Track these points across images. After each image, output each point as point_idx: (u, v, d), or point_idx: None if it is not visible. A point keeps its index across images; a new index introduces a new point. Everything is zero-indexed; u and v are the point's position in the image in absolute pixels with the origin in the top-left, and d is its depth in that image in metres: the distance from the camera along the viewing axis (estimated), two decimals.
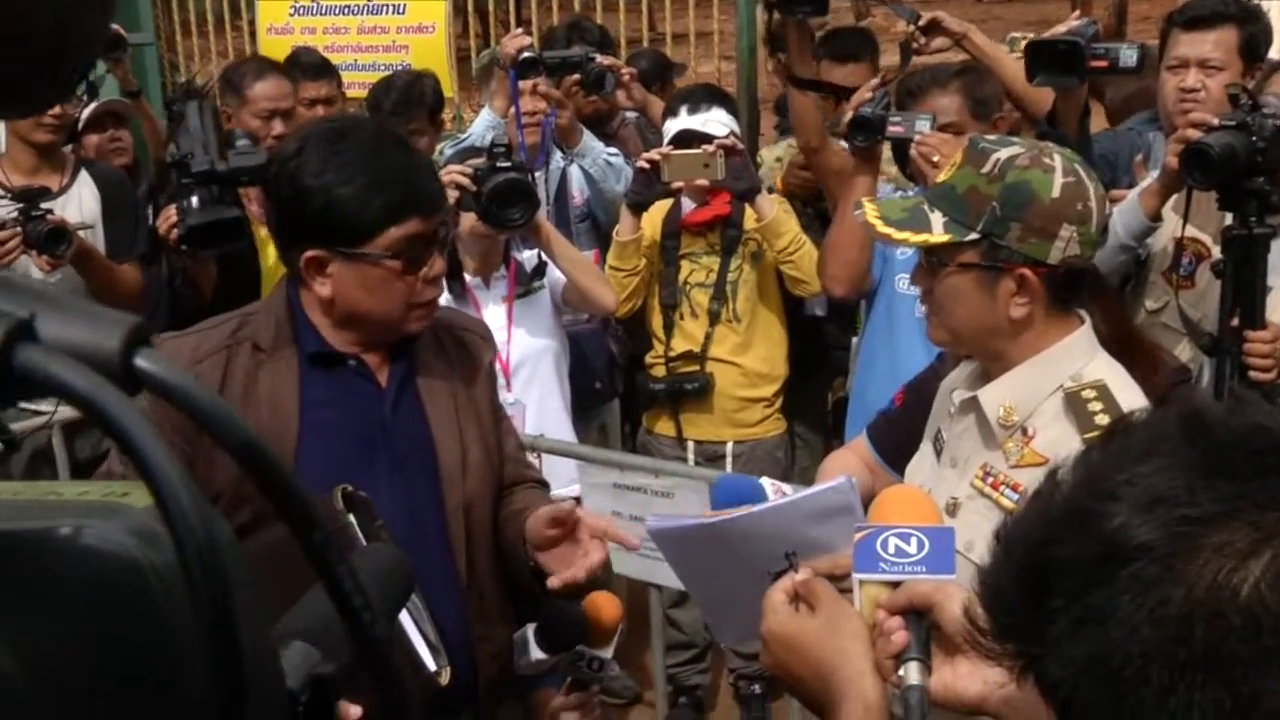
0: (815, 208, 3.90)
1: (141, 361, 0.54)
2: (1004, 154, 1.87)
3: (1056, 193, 1.84)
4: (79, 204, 3.83)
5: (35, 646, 0.57)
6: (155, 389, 0.55)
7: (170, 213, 3.51)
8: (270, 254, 3.88)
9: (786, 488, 2.22)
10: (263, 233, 3.91)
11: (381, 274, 1.96)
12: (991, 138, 2.01)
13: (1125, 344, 2.01)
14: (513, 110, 3.94)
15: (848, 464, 2.42)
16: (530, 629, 2.23)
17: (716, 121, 3.64)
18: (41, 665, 0.57)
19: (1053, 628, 0.77)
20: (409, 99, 4.35)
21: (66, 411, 3.66)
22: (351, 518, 1.81)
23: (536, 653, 2.24)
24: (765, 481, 2.21)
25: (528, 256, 3.56)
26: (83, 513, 0.62)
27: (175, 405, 0.55)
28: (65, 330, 0.53)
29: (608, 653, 2.24)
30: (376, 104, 4.39)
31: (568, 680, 2.28)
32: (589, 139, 4.05)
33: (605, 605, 2.25)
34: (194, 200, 3.33)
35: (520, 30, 4.30)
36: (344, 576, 0.62)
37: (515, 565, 2.15)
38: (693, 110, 3.68)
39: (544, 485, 2.35)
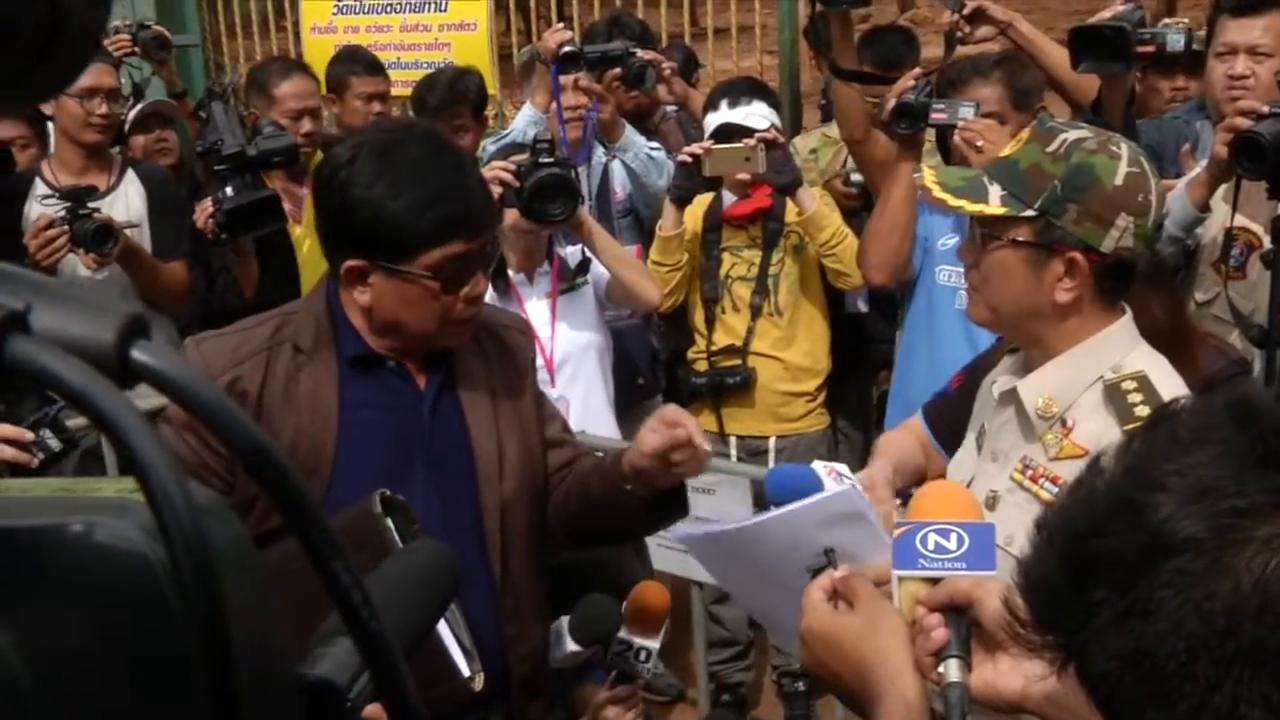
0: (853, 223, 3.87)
1: (138, 354, 0.54)
2: (1072, 135, 1.86)
3: (1119, 180, 1.81)
4: (126, 203, 3.88)
5: (45, 642, 0.57)
6: (152, 382, 0.54)
7: (206, 205, 3.56)
8: (305, 249, 3.92)
9: (841, 467, 2.20)
10: (297, 230, 3.95)
11: (420, 291, 1.95)
12: (1061, 119, 1.99)
13: (1178, 336, 1.98)
14: (554, 106, 3.94)
15: (903, 443, 2.40)
16: (564, 621, 2.23)
17: (757, 115, 3.62)
18: (50, 661, 0.57)
19: (1096, 620, 0.76)
20: (453, 96, 4.37)
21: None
22: (389, 521, 1.81)
23: (571, 645, 2.24)
24: (817, 465, 2.19)
25: (571, 252, 3.55)
26: (94, 509, 0.61)
27: (173, 399, 0.55)
28: (60, 322, 0.52)
29: (655, 643, 2.24)
30: (421, 101, 4.41)
31: (613, 673, 2.28)
32: (631, 134, 4.04)
33: (653, 594, 2.24)
34: (228, 190, 3.37)
35: (561, 25, 4.30)
36: (341, 573, 0.61)
37: (618, 507, 2.11)
38: (733, 104, 3.67)
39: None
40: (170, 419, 1.98)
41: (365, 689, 0.90)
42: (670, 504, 2.12)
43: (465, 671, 1.86)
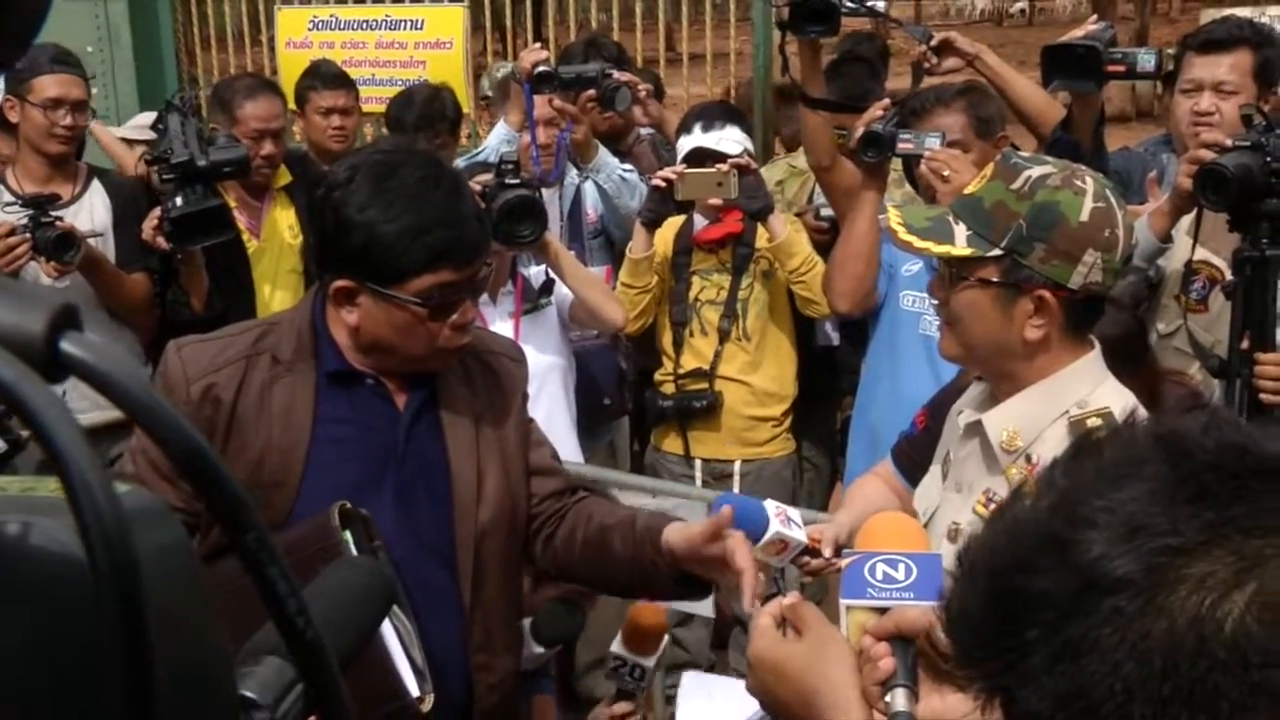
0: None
1: (68, 346, 0.53)
2: (1036, 172, 1.84)
3: (1085, 216, 1.81)
4: (90, 212, 3.85)
5: None
6: (81, 374, 0.53)
7: (154, 214, 3.55)
8: (263, 264, 3.90)
9: (791, 511, 2.20)
10: (254, 244, 3.93)
11: (407, 317, 1.94)
12: (1025, 154, 1.99)
13: (1141, 364, 1.97)
14: (527, 125, 3.94)
15: (873, 492, 2.39)
16: (526, 624, 2.23)
17: (730, 140, 3.63)
18: None
19: (1028, 660, 0.74)
20: (431, 114, 4.36)
21: (91, 416, 3.66)
22: (347, 534, 1.79)
23: (535, 647, 2.24)
24: (769, 504, 2.19)
25: (535, 273, 3.55)
26: (30, 509, 0.60)
27: (102, 393, 0.53)
28: None
29: (650, 661, 2.23)
30: (398, 120, 4.40)
31: (614, 690, 2.27)
32: (604, 155, 4.04)
33: (649, 615, 2.25)
34: (177, 199, 3.36)
35: (537, 45, 4.30)
36: (277, 580, 0.60)
37: (640, 572, 2.09)
38: (706, 128, 3.68)
39: (600, 492, 2.33)
40: (134, 450, 1.99)
41: (293, 709, 0.88)
42: (695, 585, 2.09)
43: (415, 692, 1.84)
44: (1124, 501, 0.74)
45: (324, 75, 4.50)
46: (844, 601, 1.25)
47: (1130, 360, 2.67)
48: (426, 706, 1.84)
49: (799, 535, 2.14)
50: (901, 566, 1.24)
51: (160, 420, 0.55)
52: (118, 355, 0.55)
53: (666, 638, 2.30)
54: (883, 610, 1.22)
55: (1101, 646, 0.71)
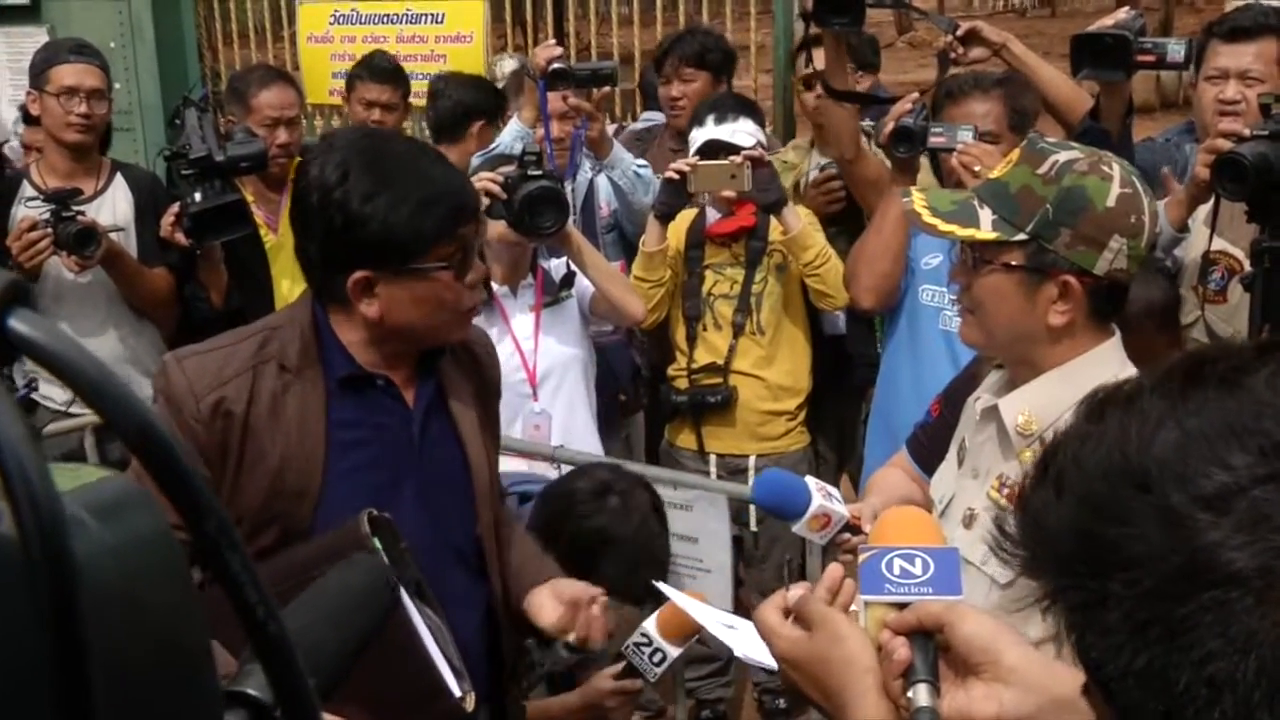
0: (837, 226, 3.85)
1: (16, 324, 0.52)
2: (1063, 157, 1.84)
3: (1112, 202, 1.80)
4: (113, 207, 3.87)
5: None
6: (29, 353, 0.52)
7: (172, 210, 3.56)
8: (280, 262, 3.91)
9: (831, 489, 2.20)
10: (272, 239, 3.95)
11: (432, 285, 1.95)
12: (1051, 139, 1.97)
13: None
14: (542, 121, 3.93)
15: (896, 480, 2.38)
16: None
17: (744, 132, 3.61)
18: None
19: (1106, 612, 0.72)
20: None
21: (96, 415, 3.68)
22: (377, 541, 1.80)
23: (561, 650, 2.24)
24: (810, 480, 2.19)
25: (555, 265, 3.54)
26: None
27: (51, 371, 0.52)
28: None
29: (676, 651, 2.24)
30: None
31: (624, 664, 2.28)
32: (619, 150, 4.03)
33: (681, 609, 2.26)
34: (196, 195, 3.38)
35: (552, 41, 4.28)
36: (237, 568, 0.59)
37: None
38: (720, 120, 3.65)
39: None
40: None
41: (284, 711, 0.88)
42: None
43: (457, 692, 1.85)
44: (1245, 479, 0.69)
45: (373, 68, 4.49)
46: (862, 597, 1.24)
47: (1170, 326, 2.64)
48: (470, 705, 1.87)
49: (842, 509, 2.14)
50: (918, 561, 1.23)
51: (111, 398, 0.53)
52: (67, 334, 0.54)
53: (680, 650, 2.30)
54: (902, 606, 1.21)
55: (1197, 634, 0.68)
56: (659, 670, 2.29)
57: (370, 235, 1.91)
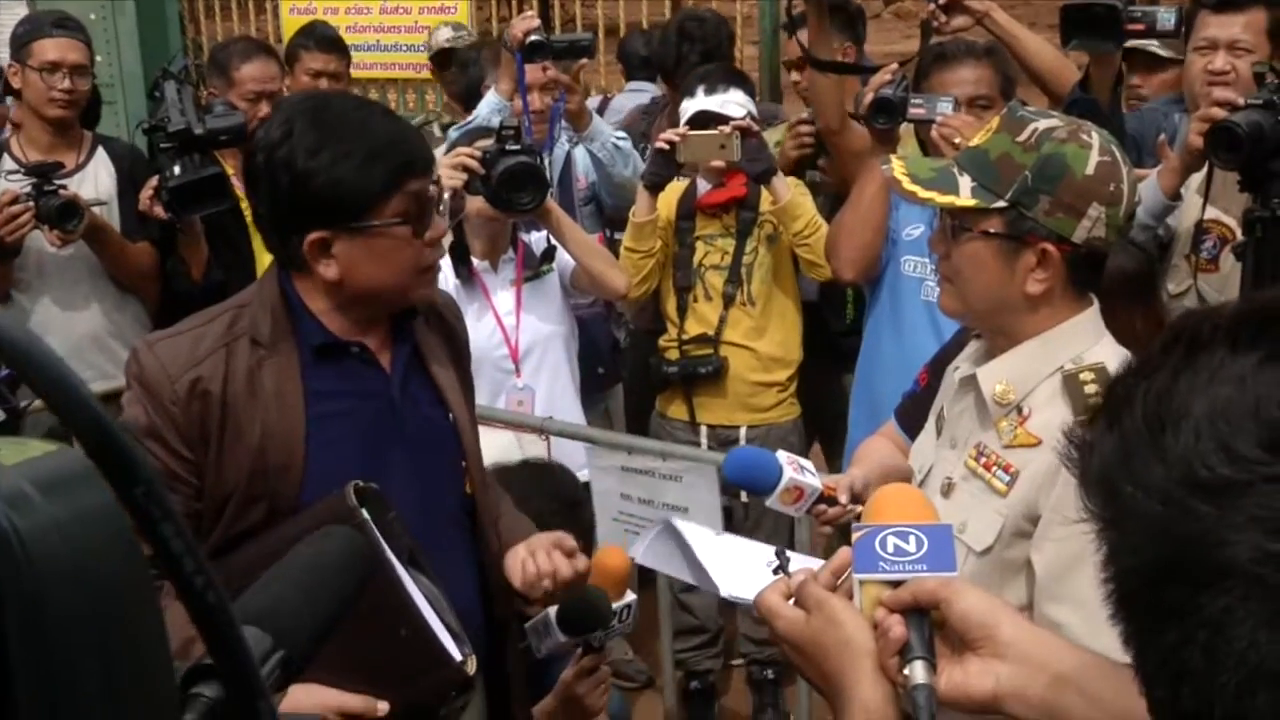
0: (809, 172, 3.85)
1: None
2: (1042, 124, 1.84)
3: (1091, 170, 1.80)
4: (95, 181, 3.84)
5: None
6: None
7: (151, 183, 3.53)
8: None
9: (803, 461, 2.19)
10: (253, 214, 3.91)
11: (390, 242, 1.92)
12: (1031, 108, 1.96)
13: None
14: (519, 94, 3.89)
15: (882, 449, 2.38)
16: (552, 612, 2.21)
17: (734, 103, 3.59)
18: None
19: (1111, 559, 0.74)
20: None
21: (97, 386, 3.67)
22: (365, 513, 1.79)
23: (559, 635, 2.23)
24: (781, 454, 2.18)
25: (536, 239, 3.52)
26: None
27: None
28: None
29: (626, 599, 2.23)
30: None
31: (579, 650, 2.27)
32: (598, 123, 4.01)
33: (611, 559, 2.26)
34: (175, 168, 3.34)
35: (530, 13, 4.24)
36: (171, 536, 0.57)
37: None
38: (710, 91, 3.63)
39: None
40: (129, 427, 1.90)
41: (271, 676, 0.87)
42: None
43: (457, 656, 1.85)
44: (1254, 473, 0.68)
45: (318, 37, 4.46)
46: (857, 576, 1.23)
47: (1144, 295, 2.64)
48: (471, 669, 1.86)
49: (814, 481, 2.13)
50: (912, 539, 1.22)
51: (29, 356, 0.52)
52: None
53: (632, 595, 2.29)
54: (896, 583, 1.20)
55: (1232, 629, 0.67)
56: (628, 623, 2.29)
57: (317, 190, 1.88)
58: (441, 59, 4.94)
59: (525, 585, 2.05)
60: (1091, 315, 1.89)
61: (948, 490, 1.91)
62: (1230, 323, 0.75)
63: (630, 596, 2.28)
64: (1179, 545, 0.70)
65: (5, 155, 3.79)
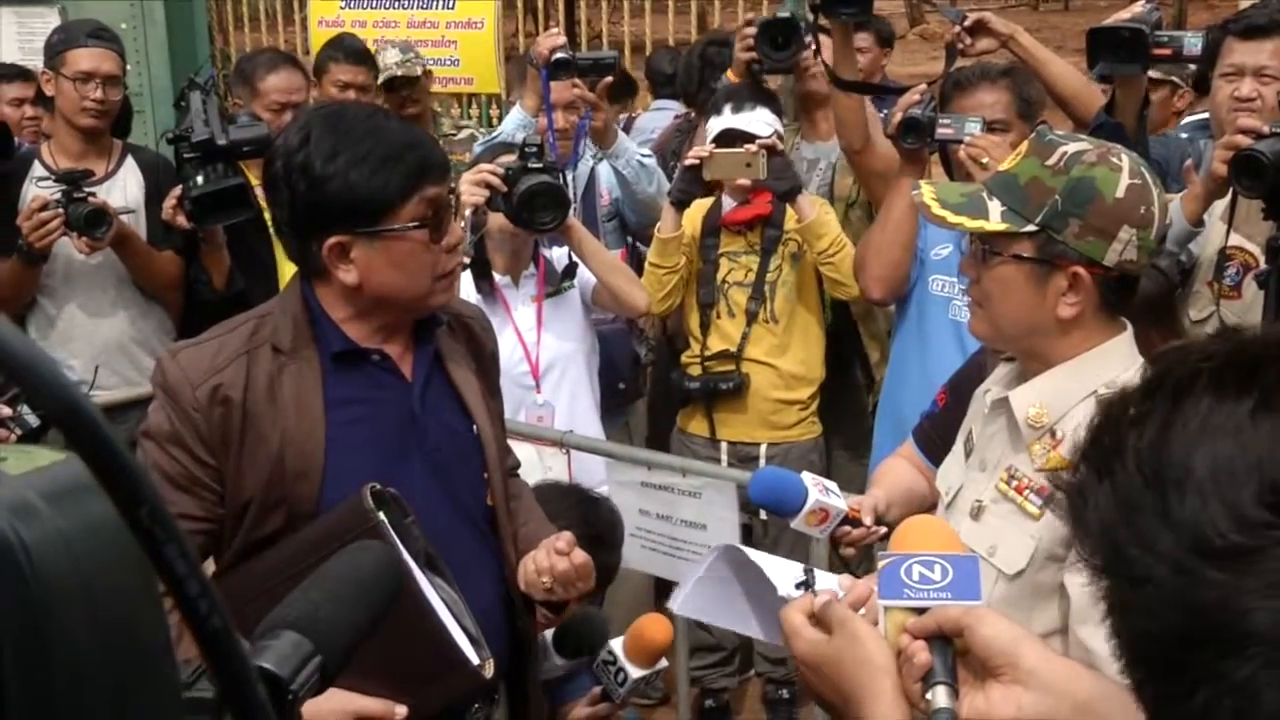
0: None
1: None
2: (1071, 148, 1.84)
3: (1121, 193, 1.80)
4: (123, 189, 3.87)
5: None
6: None
7: (175, 193, 3.56)
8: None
9: (828, 483, 2.19)
10: None
11: (408, 247, 1.94)
12: (1060, 131, 1.97)
13: None
14: (544, 110, 3.91)
15: (900, 470, 2.38)
16: (548, 634, 2.22)
17: (760, 121, 3.60)
18: None
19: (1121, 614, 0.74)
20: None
21: (104, 396, 3.70)
22: (382, 515, 1.80)
23: (556, 658, 2.23)
24: (806, 475, 2.18)
25: (557, 255, 3.53)
26: None
27: None
28: None
29: (640, 674, 2.22)
30: None
31: (597, 688, 2.26)
32: (624, 140, 4.02)
33: (658, 630, 2.23)
34: (198, 178, 3.37)
35: (556, 30, 4.27)
36: (175, 559, 0.56)
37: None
38: (737, 109, 3.64)
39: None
40: (153, 433, 1.94)
41: (310, 681, 0.88)
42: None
43: (475, 660, 1.86)
44: (1262, 538, 0.68)
45: (346, 49, 4.48)
46: (882, 602, 1.24)
47: (1163, 319, 2.63)
48: (489, 673, 1.87)
49: (839, 503, 2.13)
50: (937, 567, 1.23)
51: (39, 376, 0.51)
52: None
53: (665, 662, 2.28)
54: (921, 611, 1.21)
55: (1260, 693, 0.68)
56: (622, 691, 2.28)
57: (334, 194, 1.90)
58: (389, 84, 4.63)
59: (527, 585, 2.06)
60: (1126, 339, 1.89)
61: (977, 513, 1.91)
62: (1216, 366, 0.75)
63: (662, 663, 2.27)
64: (1196, 613, 0.70)
65: (36, 162, 3.83)
